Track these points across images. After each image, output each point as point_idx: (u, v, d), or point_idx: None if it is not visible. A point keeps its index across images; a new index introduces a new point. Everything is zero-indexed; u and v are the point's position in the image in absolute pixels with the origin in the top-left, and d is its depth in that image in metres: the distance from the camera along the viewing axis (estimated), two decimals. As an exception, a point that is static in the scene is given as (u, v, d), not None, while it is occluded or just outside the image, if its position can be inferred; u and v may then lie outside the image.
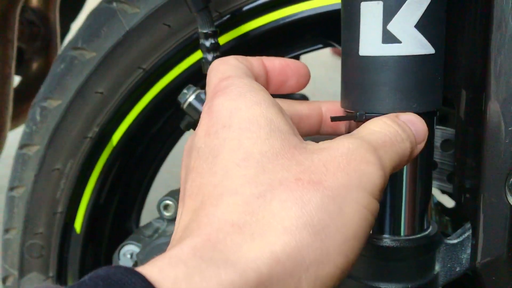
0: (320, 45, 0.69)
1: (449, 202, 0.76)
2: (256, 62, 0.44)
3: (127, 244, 0.61)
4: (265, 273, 0.31)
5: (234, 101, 0.37)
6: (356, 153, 0.36)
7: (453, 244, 0.50)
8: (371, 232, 0.42)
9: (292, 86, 0.47)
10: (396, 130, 0.40)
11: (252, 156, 0.34)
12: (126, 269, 0.30)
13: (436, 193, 0.70)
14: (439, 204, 0.75)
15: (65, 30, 1.28)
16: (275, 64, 0.46)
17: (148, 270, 0.30)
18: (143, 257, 0.57)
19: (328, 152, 0.35)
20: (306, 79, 0.48)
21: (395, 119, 0.41)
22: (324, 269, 0.32)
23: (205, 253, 0.31)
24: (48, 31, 1.06)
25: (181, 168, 0.42)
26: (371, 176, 0.35)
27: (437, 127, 0.55)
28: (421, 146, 0.42)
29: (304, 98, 0.86)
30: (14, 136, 0.88)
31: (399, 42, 0.43)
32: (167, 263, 0.30)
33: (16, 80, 1.06)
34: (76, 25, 0.73)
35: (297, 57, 0.91)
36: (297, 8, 0.61)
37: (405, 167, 0.47)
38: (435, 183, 0.57)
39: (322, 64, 2.96)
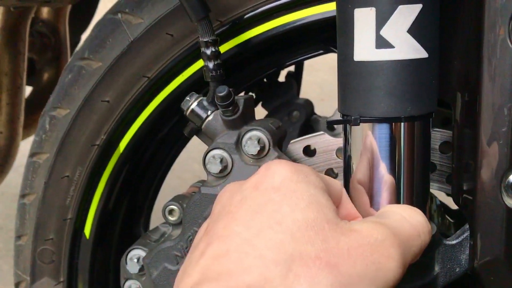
0: (321, 51, 0.70)
1: (453, 204, 0.76)
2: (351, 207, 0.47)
3: (134, 248, 0.62)
4: None
5: (290, 172, 0.41)
6: (381, 245, 0.38)
7: (452, 245, 0.51)
8: None
9: None
10: (424, 220, 0.43)
11: (285, 221, 0.38)
12: None
13: (441, 195, 0.71)
14: (443, 206, 0.75)
15: (76, 40, 1.31)
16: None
17: None
18: (149, 261, 0.59)
19: (356, 237, 0.38)
20: None
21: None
22: None
23: None
24: (59, 42, 1.08)
25: (215, 200, 0.45)
26: (388, 272, 0.38)
27: (436, 129, 0.56)
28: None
29: (308, 103, 0.87)
30: (28, 145, 0.90)
31: (392, 47, 0.44)
32: None
33: (28, 90, 1.09)
34: (86, 35, 0.75)
35: (300, 63, 0.92)
36: (296, 15, 0.62)
37: (402, 168, 0.47)
38: (435, 185, 0.57)
39: (330, 69, 2.97)
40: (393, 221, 0.41)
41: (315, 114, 0.88)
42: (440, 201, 0.75)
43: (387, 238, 0.39)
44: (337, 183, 0.47)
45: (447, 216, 0.73)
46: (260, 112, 0.90)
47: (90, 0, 1.20)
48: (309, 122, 0.85)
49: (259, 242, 0.37)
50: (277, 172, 0.42)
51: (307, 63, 0.93)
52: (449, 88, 0.50)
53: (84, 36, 1.25)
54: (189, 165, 2.03)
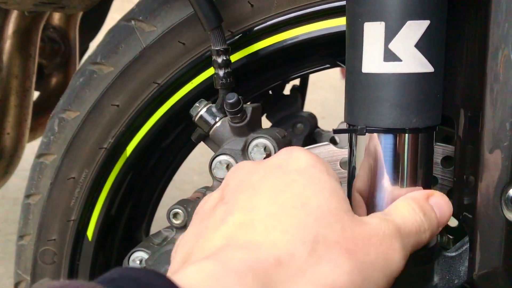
0: (328, 65, 0.72)
1: (452, 222, 0.77)
2: None
3: (136, 250, 0.63)
4: None
5: (314, 160, 0.43)
6: (387, 239, 0.41)
7: (452, 257, 0.52)
8: None
9: None
10: (422, 221, 0.45)
11: (309, 204, 0.39)
12: (155, 273, 0.33)
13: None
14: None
15: (84, 48, 1.33)
16: None
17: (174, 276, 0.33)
18: (152, 263, 0.59)
19: (368, 229, 0.40)
20: None
21: (424, 203, 0.46)
22: None
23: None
24: (68, 48, 1.10)
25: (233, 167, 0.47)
26: (394, 263, 0.41)
27: (438, 144, 0.57)
28: (442, 227, 0.46)
29: (312, 116, 0.89)
30: (31, 150, 0.92)
31: (400, 60, 0.46)
32: (195, 270, 0.34)
33: (35, 95, 1.10)
34: (94, 43, 0.77)
35: (306, 76, 0.94)
36: (305, 29, 0.64)
37: (405, 179, 0.49)
38: (436, 198, 0.58)
39: (332, 88, 3.00)
40: (393, 215, 0.44)
41: (318, 127, 0.89)
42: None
43: (391, 232, 0.41)
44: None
45: (446, 234, 0.74)
46: (264, 123, 0.91)
47: (100, 8, 1.22)
48: (313, 135, 0.87)
49: (285, 218, 0.38)
50: (301, 157, 0.43)
51: (310, 81, 0.95)
52: (453, 105, 0.52)
53: (93, 44, 1.27)
54: (189, 176, 2.04)
